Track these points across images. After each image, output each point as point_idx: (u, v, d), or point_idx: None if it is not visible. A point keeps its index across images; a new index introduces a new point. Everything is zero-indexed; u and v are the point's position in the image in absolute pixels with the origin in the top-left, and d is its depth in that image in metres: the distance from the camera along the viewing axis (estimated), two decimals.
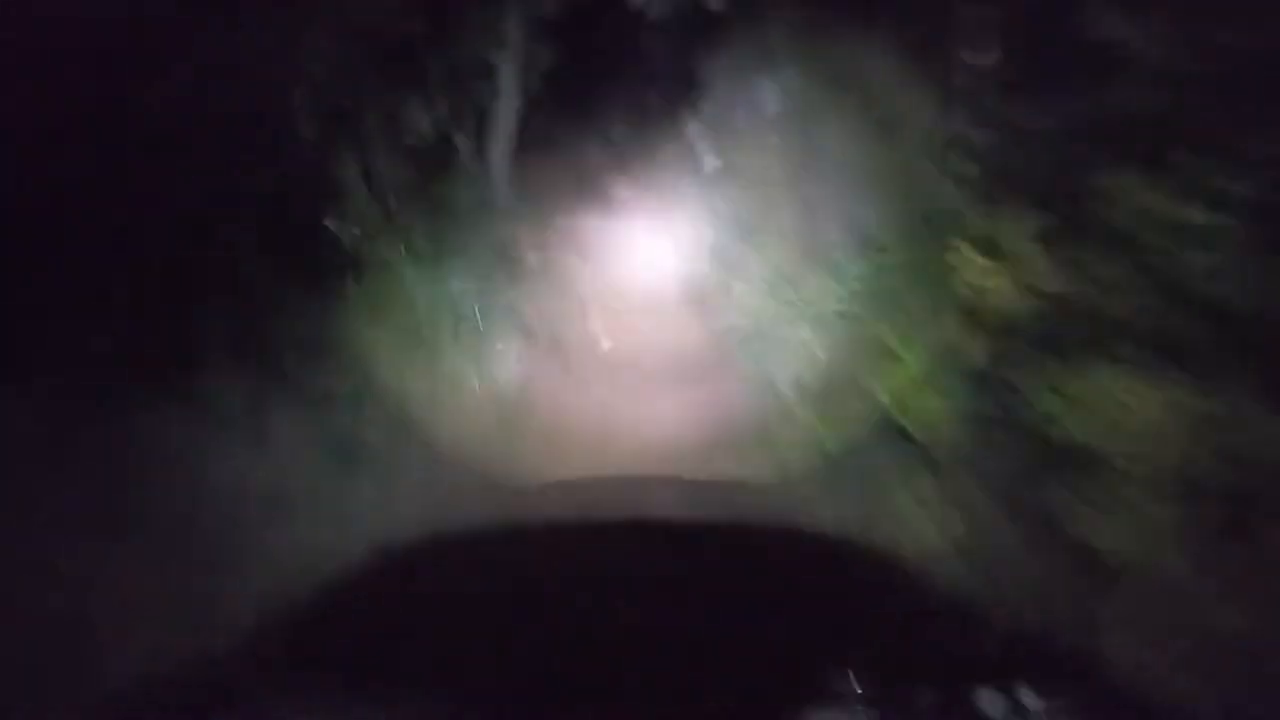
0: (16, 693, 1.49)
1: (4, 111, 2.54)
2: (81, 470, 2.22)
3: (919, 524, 2.65)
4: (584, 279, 5.38)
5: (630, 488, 1.95)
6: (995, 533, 2.44)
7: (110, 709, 1.02)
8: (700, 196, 6.12)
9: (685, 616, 1.03)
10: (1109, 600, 2.06)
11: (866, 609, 1.15)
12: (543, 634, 1.00)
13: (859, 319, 3.71)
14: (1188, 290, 2.17)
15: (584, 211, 6.23)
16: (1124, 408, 2.20)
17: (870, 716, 0.88)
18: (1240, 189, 2.07)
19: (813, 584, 1.20)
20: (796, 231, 5.14)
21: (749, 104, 5.84)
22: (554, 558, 1.22)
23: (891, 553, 1.66)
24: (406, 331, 3.71)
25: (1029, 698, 0.89)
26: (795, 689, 0.88)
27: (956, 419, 2.82)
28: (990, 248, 2.82)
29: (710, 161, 6.19)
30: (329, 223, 3.48)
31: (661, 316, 5.27)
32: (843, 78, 4.97)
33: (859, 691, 0.89)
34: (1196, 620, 1.84)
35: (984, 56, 3.28)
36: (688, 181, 6.28)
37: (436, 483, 2.94)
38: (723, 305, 5.08)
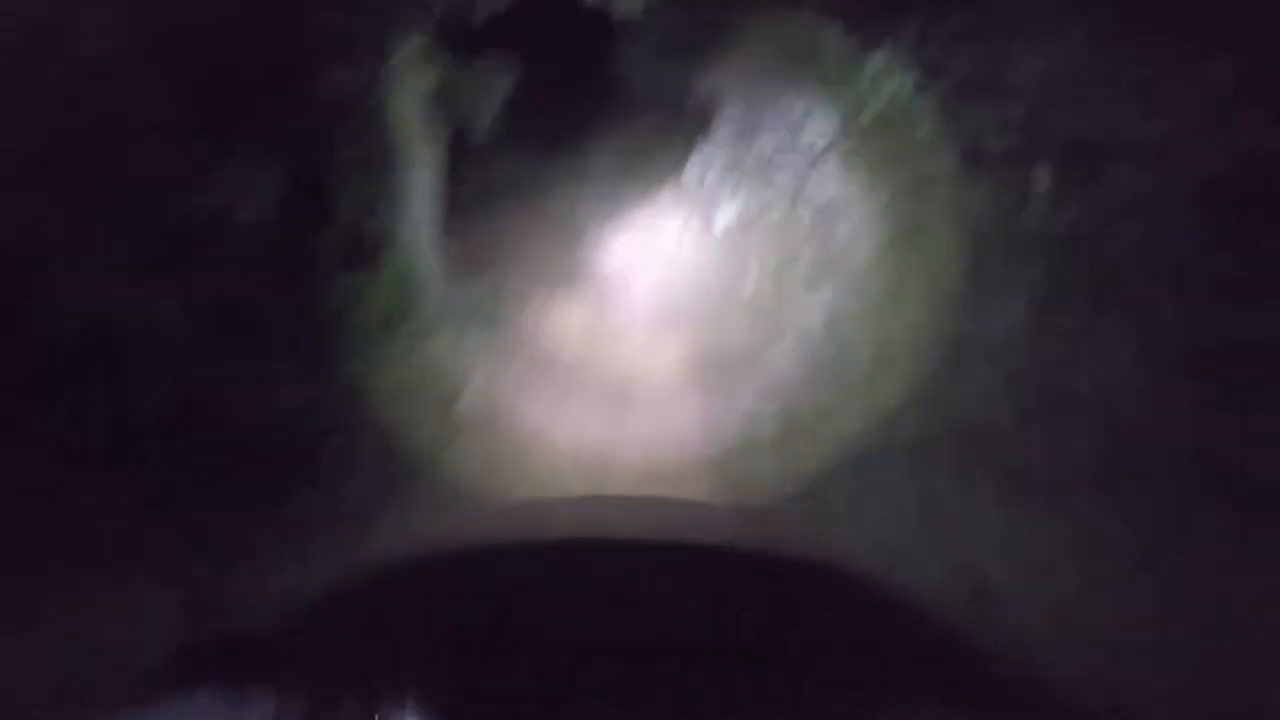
0: None
1: None
2: None
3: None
4: (561, 398, 3.72)
5: (601, 508, 1.90)
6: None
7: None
8: (711, 260, 4.79)
9: (656, 641, 1.02)
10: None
11: (839, 634, 1.10)
12: (513, 657, 0.99)
13: None
14: None
15: (557, 283, 4.68)
16: None
17: None
18: None
19: (788, 609, 1.16)
20: (861, 325, 3.50)
21: (780, 133, 4.34)
22: (526, 578, 1.20)
23: (871, 580, 1.39)
24: None
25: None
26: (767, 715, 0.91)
27: None
28: None
29: (724, 212, 4.82)
30: None
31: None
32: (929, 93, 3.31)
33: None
34: None
35: None
36: (694, 239, 5.00)
37: None
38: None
